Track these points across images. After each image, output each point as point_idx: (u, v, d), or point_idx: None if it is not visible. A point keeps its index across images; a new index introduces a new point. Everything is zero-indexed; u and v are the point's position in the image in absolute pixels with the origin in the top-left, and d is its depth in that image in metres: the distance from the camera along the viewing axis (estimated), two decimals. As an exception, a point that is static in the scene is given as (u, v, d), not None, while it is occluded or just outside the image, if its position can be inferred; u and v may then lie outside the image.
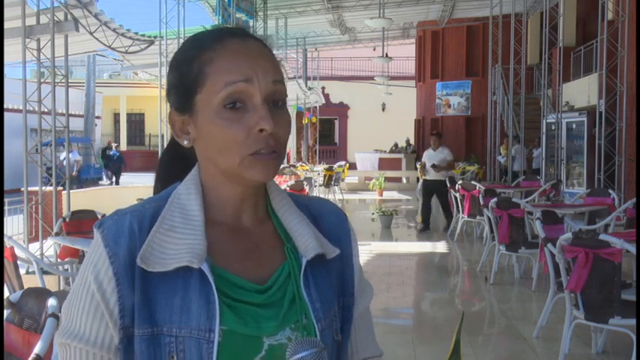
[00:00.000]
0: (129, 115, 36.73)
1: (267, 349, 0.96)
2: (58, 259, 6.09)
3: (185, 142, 1.02)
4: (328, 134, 35.74)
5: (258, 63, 0.98)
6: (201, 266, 0.94)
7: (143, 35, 11.93)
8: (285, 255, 1.02)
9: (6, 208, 9.74)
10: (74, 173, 18.37)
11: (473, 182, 10.88)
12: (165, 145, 1.17)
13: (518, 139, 16.69)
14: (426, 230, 11.16)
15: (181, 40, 10.32)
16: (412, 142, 27.05)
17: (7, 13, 6.98)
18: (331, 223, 1.10)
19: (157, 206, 1.00)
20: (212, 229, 1.00)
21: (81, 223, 6.17)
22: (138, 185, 17.36)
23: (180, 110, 1.01)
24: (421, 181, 13.08)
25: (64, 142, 7.90)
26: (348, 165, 22.05)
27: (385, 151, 27.13)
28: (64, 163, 9.66)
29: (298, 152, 27.45)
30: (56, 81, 7.39)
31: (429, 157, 10.91)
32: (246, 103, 0.96)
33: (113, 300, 0.95)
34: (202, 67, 0.98)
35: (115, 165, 23.94)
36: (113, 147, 25.13)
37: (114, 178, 23.79)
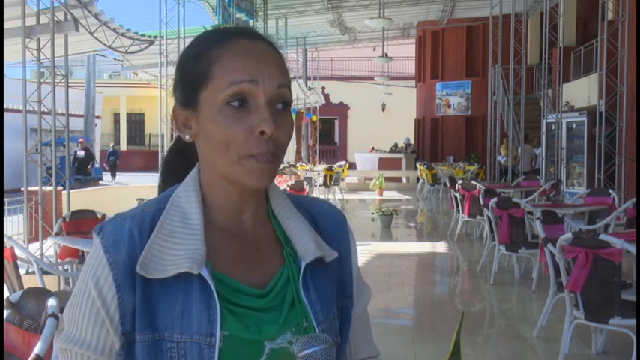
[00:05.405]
0: (129, 115, 36.72)
1: (268, 352, 0.96)
2: (58, 259, 6.09)
3: (187, 137, 1.02)
4: (328, 134, 35.73)
5: (264, 65, 0.98)
6: (200, 271, 0.94)
7: (143, 35, 11.91)
8: (284, 258, 1.03)
9: (6, 208, 9.74)
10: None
11: (473, 182, 10.85)
12: (165, 145, 1.17)
13: (538, 141, 16.64)
14: None
15: (181, 40, 10.39)
16: (412, 141, 27.03)
17: (7, 13, 6.98)
18: (330, 225, 1.11)
19: (156, 210, 1.00)
20: (212, 232, 1.00)
21: (81, 223, 6.17)
22: (137, 185, 17.35)
23: (184, 105, 1.01)
24: None
25: (64, 142, 7.89)
26: (348, 165, 22.04)
27: (385, 151, 27.13)
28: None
29: (298, 152, 27.41)
30: (56, 81, 7.38)
31: None
32: (249, 103, 0.96)
33: (114, 306, 0.95)
34: (209, 64, 0.98)
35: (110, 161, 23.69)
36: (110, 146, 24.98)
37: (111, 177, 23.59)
